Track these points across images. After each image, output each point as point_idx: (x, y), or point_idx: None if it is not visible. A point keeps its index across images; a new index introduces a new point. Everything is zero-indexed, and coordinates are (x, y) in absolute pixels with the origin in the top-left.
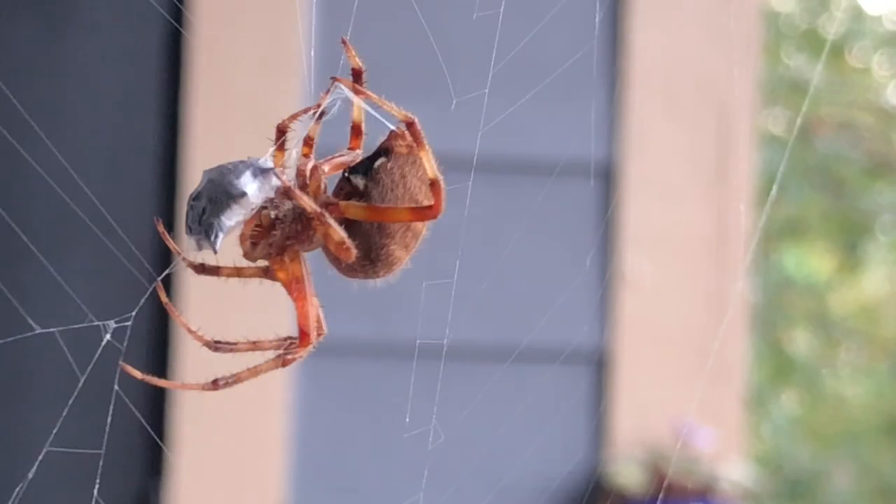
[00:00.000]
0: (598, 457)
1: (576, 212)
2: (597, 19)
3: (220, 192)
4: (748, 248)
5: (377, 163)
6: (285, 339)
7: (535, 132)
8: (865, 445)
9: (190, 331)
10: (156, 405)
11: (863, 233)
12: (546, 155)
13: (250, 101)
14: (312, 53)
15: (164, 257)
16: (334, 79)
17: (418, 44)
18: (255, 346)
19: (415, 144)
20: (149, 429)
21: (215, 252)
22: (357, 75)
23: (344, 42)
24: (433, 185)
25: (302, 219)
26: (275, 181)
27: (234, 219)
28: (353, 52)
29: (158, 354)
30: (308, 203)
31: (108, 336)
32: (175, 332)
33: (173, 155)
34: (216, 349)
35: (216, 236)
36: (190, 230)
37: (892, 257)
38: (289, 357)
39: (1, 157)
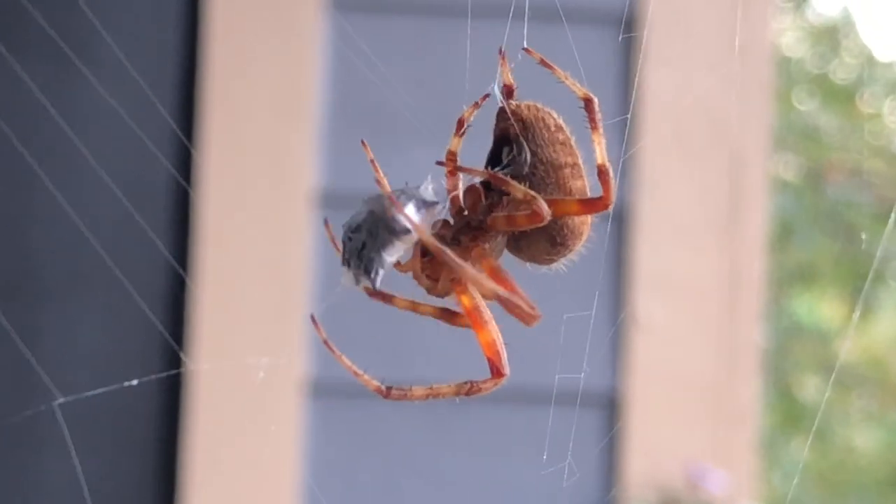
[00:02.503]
0: (610, 499)
1: (589, 254)
2: (609, 63)
3: (381, 226)
4: (760, 293)
5: (504, 155)
6: (465, 383)
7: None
8: (873, 496)
9: (357, 374)
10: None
11: (873, 279)
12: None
13: (263, 146)
14: (325, 100)
15: (177, 301)
16: (506, 92)
17: (429, 85)
18: (431, 391)
19: (589, 125)
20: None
21: (374, 289)
22: (509, 93)
23: (501, 54)
24: (601, 172)
25: (471, 231)
26: (438, 209)
27: (395, 255)
28: (508, 68)
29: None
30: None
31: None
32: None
33: (186, 199)
34: (388, 395)
35: (376, 273)
36: (348, 264)
37: None
38: (474, 389)
39: (12, 199)
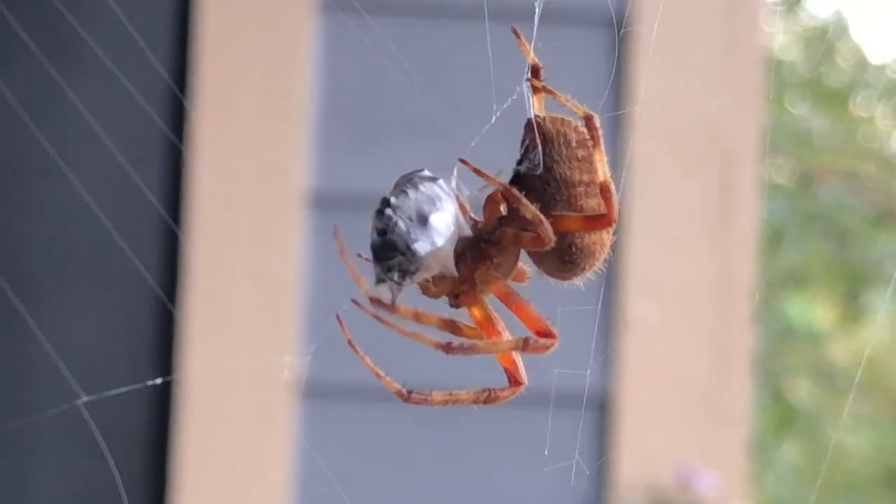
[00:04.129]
0: (601, 501)
1: None
2: (601, 65)
3: (409, 243)
4: (751, 296)
5: (523, 165)
6: (484, 391)
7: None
8: (865, 497)
9: (379, 376)
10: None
11: (866, 283)
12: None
13: (254, 147)
14: (316, 101)
15: (168, 301)
16: (530, 80)
17: (421, 86)
18: (451, 397)
19: (590, 143)
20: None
21: (394, 298)
22: (535, 71)
23: (515, 33)
24: (603, 189)
25: (482, 244)
26: (463, 226)
27: (425, 275)
28: (528, 47)
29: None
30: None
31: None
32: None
33: (177, 199)
34: (408, 399)
35: (399, 288)
36: (380, 274)
37: (895, 307)
38: (492, 397)
39: (2, 202)
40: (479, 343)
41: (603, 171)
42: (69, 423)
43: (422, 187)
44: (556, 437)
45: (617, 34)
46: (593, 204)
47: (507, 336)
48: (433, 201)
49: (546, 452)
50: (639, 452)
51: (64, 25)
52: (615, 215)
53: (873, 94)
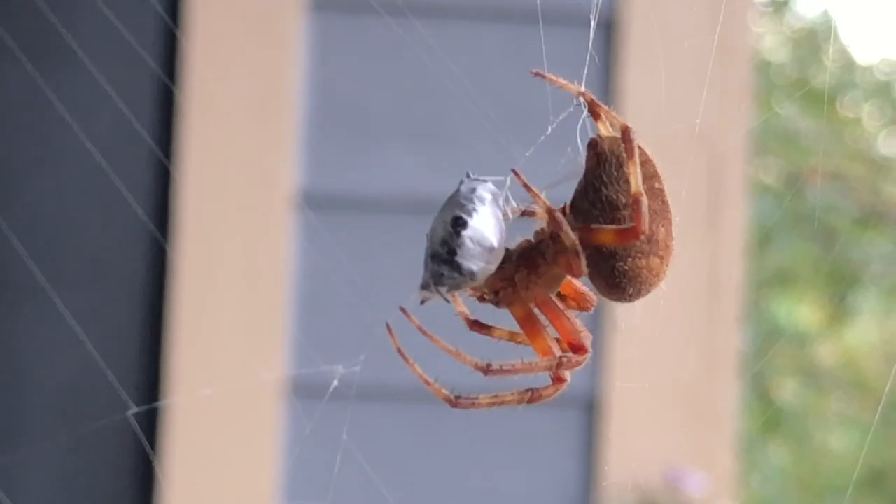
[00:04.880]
0: (589, 501)
1: None
2: (589, 67)
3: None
4: (739, 297)
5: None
6: (527, 391)
7: (528, 179)
8: (850, 498)
9: (428, 383)
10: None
11: (853, 283)
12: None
13: (243, 147)
14: (306, 101)
15: (156, 303)
16: (582, 94)
17: (410, 87)
18: (496, 399)
19: (625, 154)
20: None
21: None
22: (589, 101)
23: (541, 75)
24: (634, 202)
25: (532, 254)
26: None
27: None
28: (564, 81)
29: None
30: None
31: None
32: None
33: (166, 200)
34: (456, 405)
35: (440, 297)
36: (430, 283)
37: (881, 308)
38: (536, 395)
39: None
40: (516, 364)
41: (636, 183)
42: (55, 421)
43: (488, 204)
44: (545, 438)
45: (604, 35)
46: (628, 225)
47: (547, 337)
48: (498, 225)
49: (535, 453)
50: (627, 453)
51: (52, 26)
52: (643, 227)
53: (860, 96)
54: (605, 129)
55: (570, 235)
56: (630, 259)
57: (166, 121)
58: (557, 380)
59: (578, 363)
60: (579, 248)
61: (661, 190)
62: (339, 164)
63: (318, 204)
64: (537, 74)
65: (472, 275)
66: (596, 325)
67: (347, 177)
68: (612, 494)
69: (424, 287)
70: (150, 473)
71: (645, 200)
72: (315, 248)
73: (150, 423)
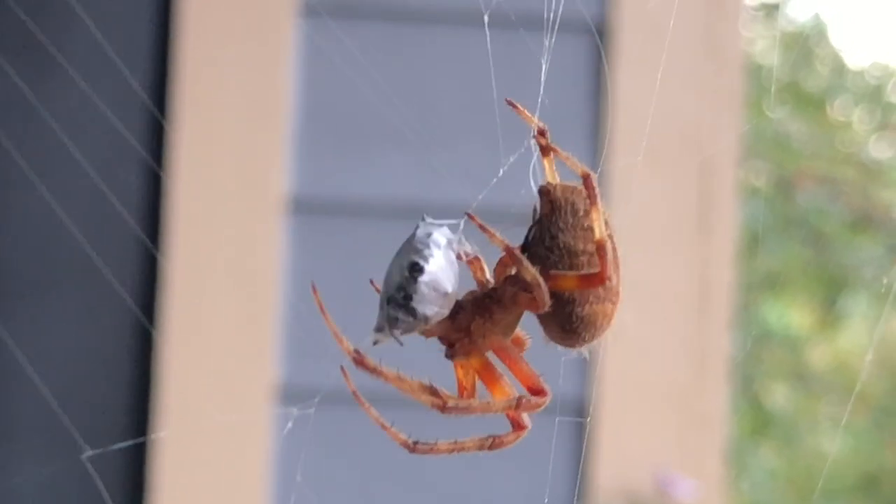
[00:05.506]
0: None
1: None
2: (580, 70)
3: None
4: (729, 300)
5: (531, 233)
6: (488, 438)
7: (518, 183)
8: (843, 502)
9: (385, 427)
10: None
11: (843, 287)
12: (530, 206)
13: (235, 151)
14: (297, 104)
15: (147, 308)
16: (536, 138)
17: (403, 91)
18: (456, 446)
19: (576, 201)
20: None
21: (400, 343)
22: (542, 134)
23: (513, 105)
24: (598, 248)
25: (486, 300)
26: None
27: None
28: (528, 114)
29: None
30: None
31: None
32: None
33: (156, 202)
34: (414, 450)
35: (394, 341)
36: (384, 326)
37: (872, 312)
38: (497, 443)
39: None
40: (473, 403)
41: (599, 229)
42: (47, 424)
43: (443, 249)
44: (534, 443)
45: (598, 41)
46: (593, 271)
47: (505, 384)
48: (452, 269)
49: (524, 458)
50: (616, 458)
51: (42, 29)
52: (608, 273)
53: (852, 99)
54: (550, 173)
55: (531, 269)
56: (588, 305)
57: (156, 125)
58: (518, 426)
59: (538, 405)
60: (541, 280)
61: (611, 236)
62: (330, 169)
63: (308, 209)
64: (509, 104)
65: (426, 319)
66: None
67: (338, 182)
68: (602, 499)
69: (379, 329)
70: (141, 474)
71: (610, 247)
72: (305, 253)
73: (141, 425)
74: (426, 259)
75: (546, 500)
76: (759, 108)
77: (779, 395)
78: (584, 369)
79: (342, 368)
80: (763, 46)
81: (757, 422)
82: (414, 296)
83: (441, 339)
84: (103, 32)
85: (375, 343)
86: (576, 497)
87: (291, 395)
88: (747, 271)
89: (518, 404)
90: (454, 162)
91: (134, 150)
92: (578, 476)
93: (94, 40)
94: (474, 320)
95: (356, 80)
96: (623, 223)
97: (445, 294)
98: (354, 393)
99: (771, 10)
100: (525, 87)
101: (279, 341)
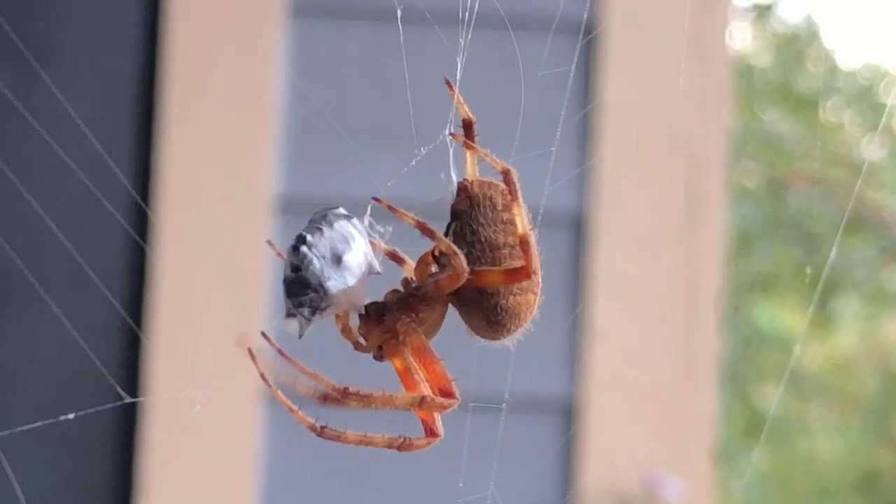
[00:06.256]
0: None
1: (547, 262)
2: (568, 70)
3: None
4: (718, 301)
5: (450, 228)
6: (399, 437)
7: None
8: (837, 502)
9: (292, 410)
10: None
11: (834, 289)
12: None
13: (223, 152)
14: (285, 104)
15: (136, 307)
16: (453, 135)
17: (389, 91)
18: (364, 438)
19: (509, 197)
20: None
21: (300, 336)
22: (468, 127)
23: (449, 85)
24: (522, 242)
25: (408, 301)
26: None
27: (335, 311)
28: (463, 101)
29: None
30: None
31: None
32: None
33: (145, 203)
34: (321, 434)
35: (308, 323)
36: (291, 308)
37: (863, 313)
38: (406, 444)
39: None
40: (375, 393)
41: (522, 224)
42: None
43: (336, 225)
44: (523, 444)
45: (584, 40)
46: (518, 265)
47: (425, 386)
48: (347, 240)
49: (513, 458)
50: (605, 458)
51: (32, 31)
52: (533, 267)
53: (843, 101)
54: (471, 168)
55: (444, 240)
56: (512, 297)
57: (146, 126)
58: (431, 434)
59: (442, 406)
60: (455, 248)
61: (532, 229)
62: (318, 170)
63: (296, 209)
64: (447, 84)
65: (323, 290)
66: (574, 331)
67: (326, 182)
68: (590, 499)
69: (289, 315)
70: (129, 480)
71: (533, 241)
72: None
73: (129, 424)
74: (311, 232)
75: (534, 501)
76: (752, 109)
77: (769, 397)
78: (573, 369)
79: (249, 350)
80: (755, 48)
81: (747, 423)
82: (301, 265)
83: (365, 342)
84: (91, 33)
85: (284, 330)
86: (564, 497)
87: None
88: (738, 272)
89: (422, 402)
90: (442, 162)
91: (122, 152)
92: (566, 476)
93: (83, 41)
94: (400, 320)
95: (344, 81)
96: (611, 224)
97: (338, 260)
98: (262, 376)
99: (763, 12)
100: (513, 89)
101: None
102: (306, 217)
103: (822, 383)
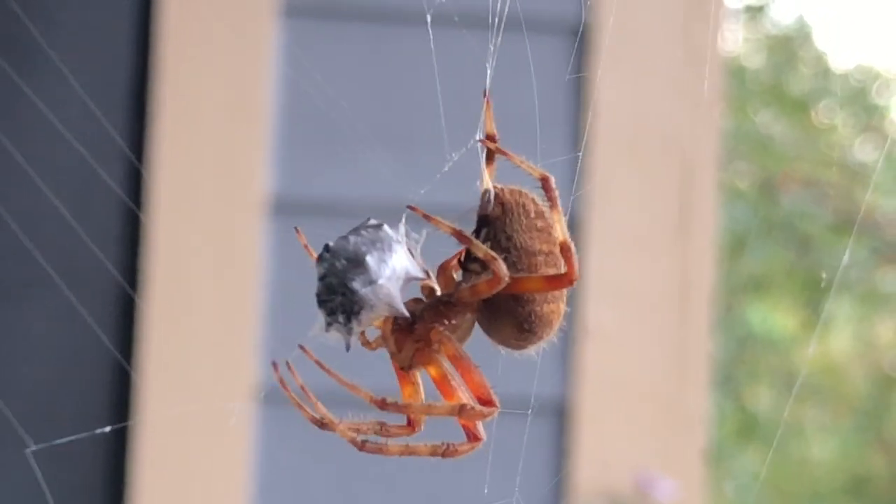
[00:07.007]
0: None
1: None
2: (562, 71)
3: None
4: (711, 302)
5: (482, 235)
6: (442, 444)
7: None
8: None
9: (334, 424)
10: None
11: (827, 290)
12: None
13: (215, 152)
14: (278, 106)
15: (127, 307)
16: (482, 141)
17: (384, 92)
18: (407, 449)
19: (548, 203)
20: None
21: (347, 348)
22: (492, 139)
23: (487, 101)
24: (563, 248)
25: (439, 308)
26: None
27: (371, 315)
28: (492, 115)
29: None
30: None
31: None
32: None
33: (137, 204)
34: (362, 448)
35: (350, 331)
36: (326, 318)
37: (856, 314)
38: (450, 451)
39: None
40: (413, 403)
41: (562, 230)
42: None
43: (364, 232)
44: (515, 444)
45: (578, 41)
46: (553, 273)
47: (463, 391)
48: (372, 243)
49: (505, 459)
50: (597, 459)
51: (24, 29)
52: (576, 274)
53: (836, 102)
54: (490, 178)
55: (482, 246)
56: (546, 304)
57: (139, 125)
58: (473, 438)
59: (482, 414)
60: (494, 254)
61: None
62: (311, 170)
63: (289, 210)
64: (486, 99)
65: (349, 290)
66: (567, 331)
67: (319, 183)
68: (582, 500)
69: (329, 327)
70: (121, 479)
71: (574, 247)
72: (286, 254)
73: (121, 422)
74: (336, 241)
75: (526, 501)
76: (744, 111)
77: (763, 398)
78: (565, 370)
79: (288, 364)
80: (747, 49)
81: (740, 424)
82: (327, 272)
83: (397, 352)
84: (85, 33)
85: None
86: (557, 498)
87: (271, 394)
88: (731, 274)
89: (461, 410)
90: (436, 163)
91: (115, 151)
92: (559, 477)
93: (75, 40)
94: (432, 328)
95: (338, 82)
96: (604, 225)
97: (359, 264)
98: (302, 387)
99: (755, 13)
100: (512, 89)
101: (259, 340)
102: (300, 218)
103: (814, 384)
